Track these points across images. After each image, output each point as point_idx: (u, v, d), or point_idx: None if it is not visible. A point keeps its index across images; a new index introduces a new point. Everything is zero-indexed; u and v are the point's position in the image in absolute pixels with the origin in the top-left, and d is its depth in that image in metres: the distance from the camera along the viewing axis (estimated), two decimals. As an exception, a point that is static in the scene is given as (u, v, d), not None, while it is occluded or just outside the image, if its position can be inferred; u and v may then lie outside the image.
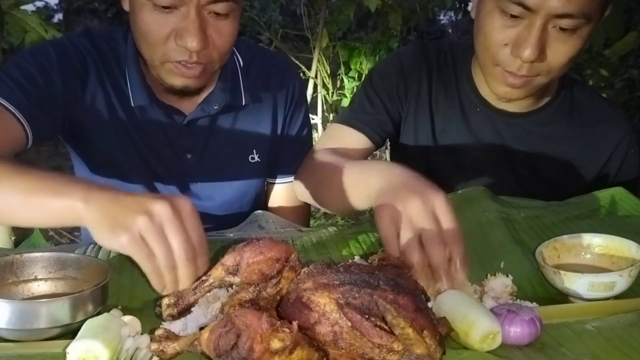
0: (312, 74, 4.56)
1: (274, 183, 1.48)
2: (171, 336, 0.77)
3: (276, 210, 1.45)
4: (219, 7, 1.15)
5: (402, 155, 1.45)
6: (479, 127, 1.38)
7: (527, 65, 1.19)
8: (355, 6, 4.33)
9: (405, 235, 0.90)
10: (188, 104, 1.32)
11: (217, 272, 0.83)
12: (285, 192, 1.47)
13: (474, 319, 0.78)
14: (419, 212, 0.91)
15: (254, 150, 1.40)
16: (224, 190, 1.40)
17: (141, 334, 0.80)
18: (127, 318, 0.82)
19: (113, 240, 0.83)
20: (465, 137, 1.39)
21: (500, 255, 1.03)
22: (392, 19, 4.43)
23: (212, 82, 1.31)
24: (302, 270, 0.80)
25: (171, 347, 0.75)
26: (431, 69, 1.41)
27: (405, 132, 1.43)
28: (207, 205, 1.37)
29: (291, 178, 1.44)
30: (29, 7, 2.59)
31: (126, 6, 1.22)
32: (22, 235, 2.10)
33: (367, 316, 0.71)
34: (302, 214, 1.50)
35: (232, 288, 0.85)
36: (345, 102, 4.69)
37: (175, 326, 0.81)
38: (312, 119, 4.22)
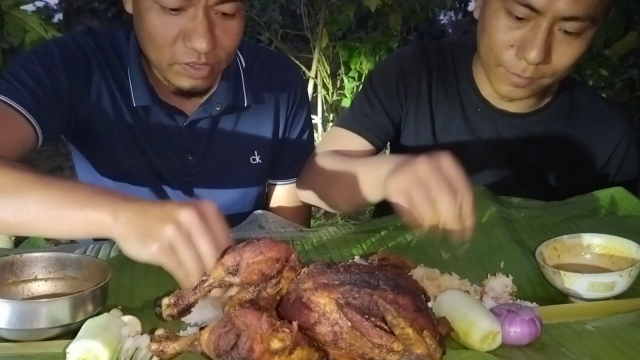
0: (312, 74, 4.56)
1: (275, 184, 1.47)
2: (171, 336, 0.77)
3: (277, 211, 1.44)
4: (227, 7, 1.14)
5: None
6: (479, 127, 1.38)
7: (532, 68, 1.19)
8: (355, 6, 4.33)
9: (416, 193, 0.92)
10: (190, 105, 1.31)
11: (217, 272, 0.82)
12: (286, 193, 1.47)
13: (474, 319, 0.79)
14: (427, 169, 0.92)
15: (256, 152, 1.40)
16: (225, 191, 1.39)
17: (141, 334, 0.80)
18: (127, 318, 0.82)
19: (143, 252, 0.83)
20: (465, 137, 1.39)
21: (500, 255, 1.03)
22: (392, 19, 4.43)
23: (214, 82, 1.31)
24: (302, 270, 0.80)
25: (171, 347, 0.75)
26: (431, 69, 1.41)
27: (405, 133, 1.43)
28: (209, 206, 1.37)
29: (293, 180, 1.44)
30: (29, 7, 2.60)
31: (129, 8, 1.21)
32: (22, 236, 2.10)
33: (367, 316, 0.71)
34: (303, 215, 1.49)
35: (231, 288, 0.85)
36: (345, 102, 4.69)
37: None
38: (312, 119, 4.21)
